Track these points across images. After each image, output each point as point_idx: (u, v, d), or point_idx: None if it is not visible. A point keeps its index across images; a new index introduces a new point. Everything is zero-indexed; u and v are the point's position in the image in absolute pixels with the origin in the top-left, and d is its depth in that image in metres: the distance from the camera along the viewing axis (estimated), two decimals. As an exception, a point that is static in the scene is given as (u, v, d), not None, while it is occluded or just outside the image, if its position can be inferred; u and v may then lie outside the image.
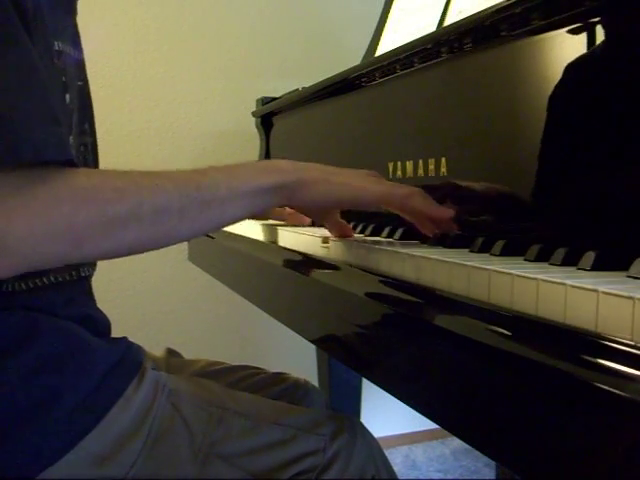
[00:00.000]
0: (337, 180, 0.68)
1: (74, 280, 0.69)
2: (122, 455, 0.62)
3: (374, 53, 1.19)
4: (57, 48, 0.64)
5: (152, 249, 0.60)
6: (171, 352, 0.93)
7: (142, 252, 0.59)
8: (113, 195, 0.55)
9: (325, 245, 0.78)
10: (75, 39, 0.71)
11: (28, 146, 0.51)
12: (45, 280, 0.65)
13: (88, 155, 0.74)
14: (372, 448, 0.75)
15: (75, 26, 0.73)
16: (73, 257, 0.56)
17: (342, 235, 0.78)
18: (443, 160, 0.79)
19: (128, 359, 0.68)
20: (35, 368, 0.60)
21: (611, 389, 0.33)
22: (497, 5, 0.69)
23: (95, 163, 0.76)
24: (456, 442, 2.10)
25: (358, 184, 0.68)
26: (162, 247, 0.60)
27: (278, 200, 0.66)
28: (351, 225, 0.89)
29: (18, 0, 0.55)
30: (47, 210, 0.52)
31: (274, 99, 1.45)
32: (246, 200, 0.62)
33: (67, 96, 0.66)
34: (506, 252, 0.59)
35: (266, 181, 0.63)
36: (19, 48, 0.54)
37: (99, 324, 0.72)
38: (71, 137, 0.67)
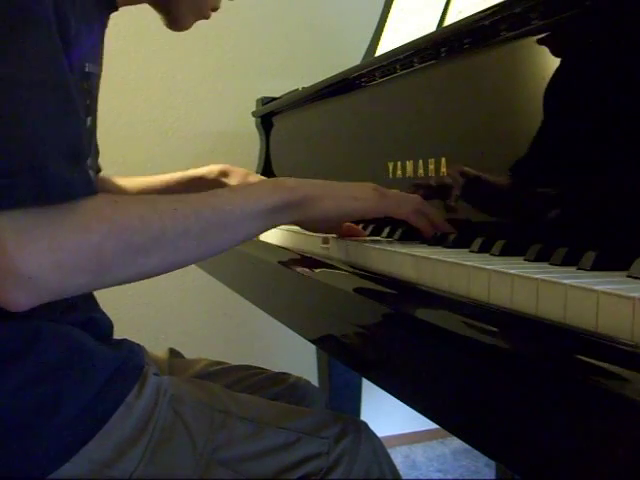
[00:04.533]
0: (343, 194, 0.70)
1: None
2: (123, 461, 0.62)
3: (374, 53, 1.19)
4: (87, 70, 0.64)
5: (170, 271, 0.61)
6: (173, 352, 0.93)
7: (160, 274, 0.60)
8: (138, 223, 0.55)
9: (325, 245, 0.78)
10: (100, 55, 0.71)
11: (57, 186, 0.50)
12: None
13: (92, 173, 0.74)
14: (376, 449, 0.75)
15: (102, 43, 0.72)
16: (95, 285, 0.56)
17: (353, 236, 0.80)
18: (443, 160, 0.79)
19: (130, 364, 0.67)
20: (36, 375, 0.60)
21: (611, 389, 0.33)
22: (497, 5, 0.69)
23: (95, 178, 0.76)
24: (456, 442, 2.10)
25: (363, 198, 0.70)
26: (179, 268, 0.61)
27: (288, 218, 0.68)
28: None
29: (64, 26, 0.55)
30: (76, 241, 0.51)
31: (274, 99, 1.45)
32: (258, 219, 0.64)
33: (89, 119, 0.66)
34: (506, 252, 0.59)
35: (276, 199, 0.65)
36: (61, 77, 0.53)
37: (101, 326, 0.71)
38: (89, 159, 0.67)
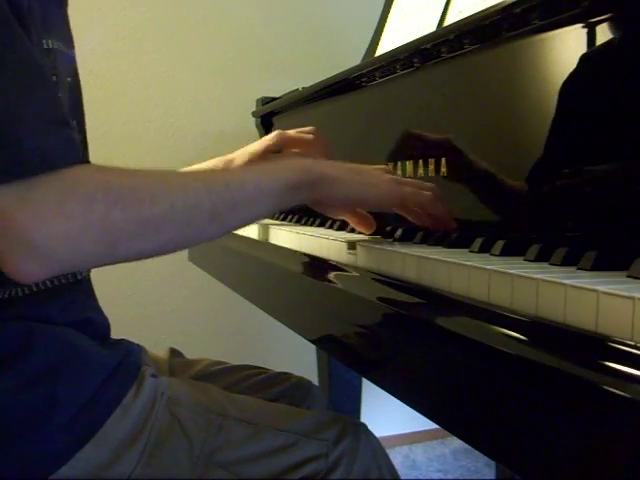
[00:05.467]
0: (360, 179, 0.68)
1: (71, 283, 0.68)
2: (120, 464, 0.62)
3: (374, 53, 1.19)
4: (46, 46, 0.63)
5: (183, 249, 0.60)
6: (174, 352, 0.92)
7: (173, 252, 0.59)
8: (146, 196, 0.55)
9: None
10: (65, 33, 0.70)
11: (35, 156, 0.50)
12: (41, 285, 0.64)
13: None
14: (375, 451, 0.74)
15: (66, 19, 0.71)
16: (106, 258, 0.55)
17: (367, 227, 0.79)
18: (443, 160, 0.79)
19: (126, 365, 0.67)
20: (31, 378, 0.60)
21: (611, 389, 0.33)
22: (497, 5, 0.69)
23: (86, 160, 0.75)
24: (456, 442, 2.10)
25: (380, 185, 0.68)
26: (192, 246, 0.60)
27: (303, 197, 0.66)
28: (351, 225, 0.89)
29: (14, 2, 0.54)
30: (82, 211, 0.51)
31: (274, 99, 1.45)
32: (273, 198, 0.63)
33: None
34: (506, 252, 0.58)
35: (291, 178, 0.64)
36: (20, 49, 0.53)
37: (98, 327, 0.71)
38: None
